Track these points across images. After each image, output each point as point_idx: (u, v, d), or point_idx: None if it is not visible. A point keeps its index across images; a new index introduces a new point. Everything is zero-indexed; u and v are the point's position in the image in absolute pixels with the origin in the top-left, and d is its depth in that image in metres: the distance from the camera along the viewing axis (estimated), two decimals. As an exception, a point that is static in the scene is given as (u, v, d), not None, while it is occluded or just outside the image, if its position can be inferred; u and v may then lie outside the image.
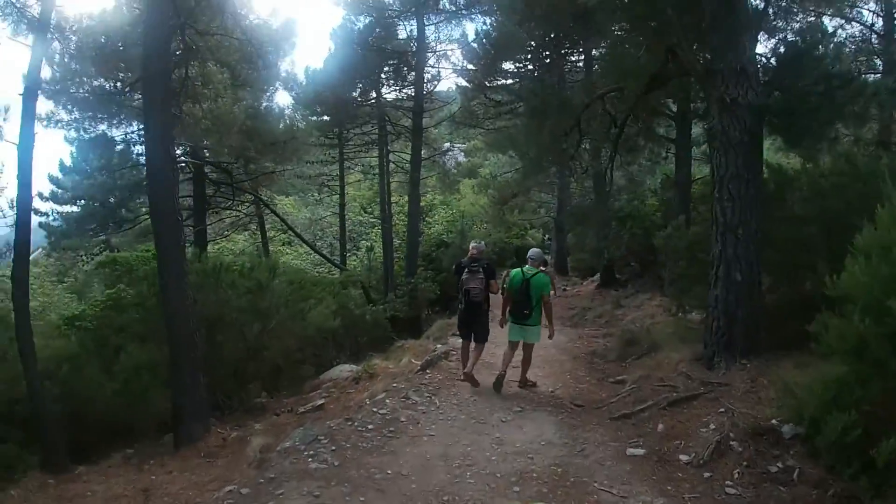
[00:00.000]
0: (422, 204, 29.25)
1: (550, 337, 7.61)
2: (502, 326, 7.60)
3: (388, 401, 6.59)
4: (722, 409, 5.79)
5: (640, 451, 5.34)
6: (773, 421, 5.28)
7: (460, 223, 27.91)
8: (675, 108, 13.51)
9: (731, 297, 6.85)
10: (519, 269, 7.32)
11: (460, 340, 7.88)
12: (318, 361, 11.99)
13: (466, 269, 7.29)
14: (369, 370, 8.83)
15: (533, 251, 7.58)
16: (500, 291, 7.39)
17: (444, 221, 31.04)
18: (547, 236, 40.82)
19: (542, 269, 7.34)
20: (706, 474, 4.86)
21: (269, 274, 9.50)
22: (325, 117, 24.95)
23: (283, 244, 38.48)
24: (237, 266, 10.07)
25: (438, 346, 10.15)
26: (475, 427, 6.01)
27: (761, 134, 6.93)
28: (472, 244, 7.67)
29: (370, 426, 5.81)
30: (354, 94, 24.03)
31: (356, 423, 5.85)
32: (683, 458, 5.16)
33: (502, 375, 7.24)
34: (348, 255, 34.85)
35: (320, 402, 7.95)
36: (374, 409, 6.28)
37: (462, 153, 42.06)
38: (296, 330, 9.99)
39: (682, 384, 6.71)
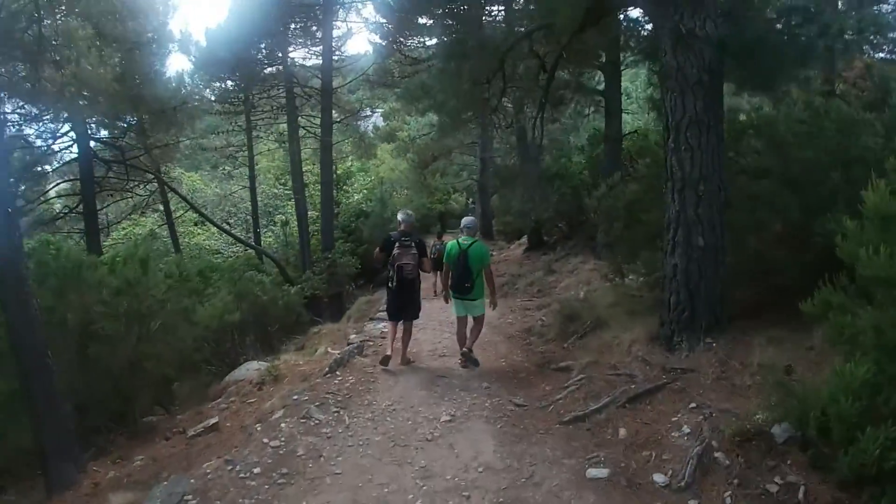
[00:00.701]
0: (337, 172, 27.59)
1: (493, 307, 7.22)
2: (447, 301, 7.24)
3: (283, 424, 5.18)
4: (693, 405, 4.74)
5: (604, 472, 4.17)
6: (759, 418, 4.28)
7: (379, 190, 26.36)
8: (603, 58, 12.45)
9: (691, 266, 5.79)
10: (455, 241, 6.88)
11: (380, 325, 6.87)
12: (226, 359, 10.47)
13: (397, 244, 6.81)
14: (274, 371, 7.42)
15: (466, 220, 7.17)
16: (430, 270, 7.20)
17: (363, 189, 29.41)
18: (471, 200, 39.86)
19: (476, 236, 6.98)
20: (692, 502, 3.79)
21: (140, 268, 7.78)
22: (229, 82, 22.80)
23: (195, 224, 35.95)
24: (105, 261, 8.32)
25: (353, 335, 8.86)
26: (394, 453, 4.71)
27: (722, 73, 5.85)
28: (401, 216, 7.15)
29: (256, 469, 4.40)
30: (259, 55, 21.81)
31: (239, 467, 4.42)
32: (659, 478, 4.04)
33: (467, 352, 7.03)
34: (264, 231, 32.79)
35: (214, 420, 6.46)
36: (265, 441, 4.86)
37: (380, 116, 40.29)
38: (182, 331, 8.40)
39: (641, 372, 5.63)
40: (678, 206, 5.81)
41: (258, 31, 20.12)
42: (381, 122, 37.90)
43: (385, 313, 7.97)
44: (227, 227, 34.16)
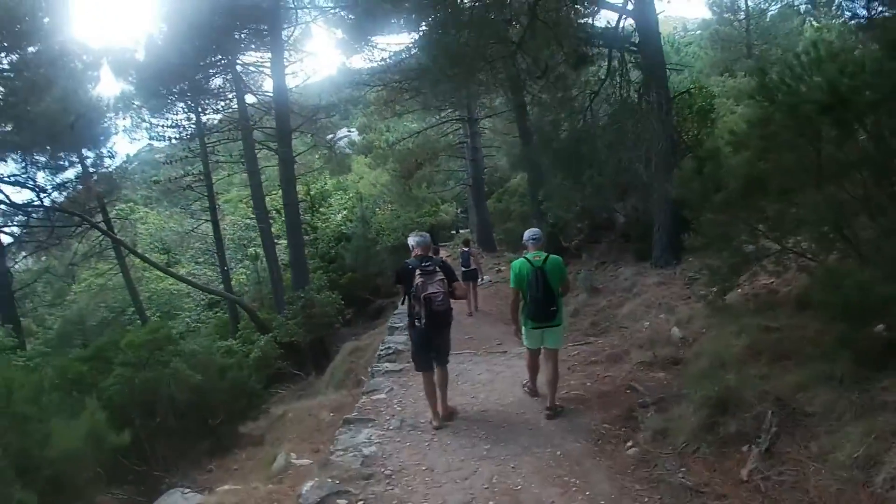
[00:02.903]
0: (310, 193, 24.18)
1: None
2: (518, 336, 5.88)
3: None
4: None
5: None
6: None
7: (360, 208, 22.84)
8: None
9: None
10: (522, 259, 5.61)
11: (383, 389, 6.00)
12: (142, 485, 7.03)
13: (418, 271, 5.38)
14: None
15: (531, 231, 5.90)
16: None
17: (342, 209, 25.94)
18: (461, 209, 36.49)
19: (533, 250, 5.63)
20: None
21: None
22: (179, 105, 19.63)
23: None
24: None
25: (341, 434, 5.44)
26: None
27: None
28: (413, 240, 5.78)
29: None
30: (204, 62, 18.67)
31: None
32: None
33: (551, 413, 5.51)
34: (236, 267, 29.37)
35: None
36: None
37: (354, 132, 36.88)
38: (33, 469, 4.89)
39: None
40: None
41: (202, 37, 16.86)
42: (356, 137, 34.68)
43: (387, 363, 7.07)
44: (196, 266, 31.08)
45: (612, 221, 13.44)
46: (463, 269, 12.14)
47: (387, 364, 7.82)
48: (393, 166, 22.03)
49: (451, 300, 5.52)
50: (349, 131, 43.40)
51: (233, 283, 26.30)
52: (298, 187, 24.40)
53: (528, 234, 5.85)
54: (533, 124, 14.99)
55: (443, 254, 19.95)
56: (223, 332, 20.04)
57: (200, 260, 30.74)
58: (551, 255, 5.60)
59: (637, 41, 10.04)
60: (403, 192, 23.77)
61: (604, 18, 11.37)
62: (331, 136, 24.44)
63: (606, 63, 10.47)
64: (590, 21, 10.87)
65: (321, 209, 25.33)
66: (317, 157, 21.02)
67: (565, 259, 13.60)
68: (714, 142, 11.25)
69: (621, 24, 10.55)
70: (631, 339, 6.72)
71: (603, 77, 10.65)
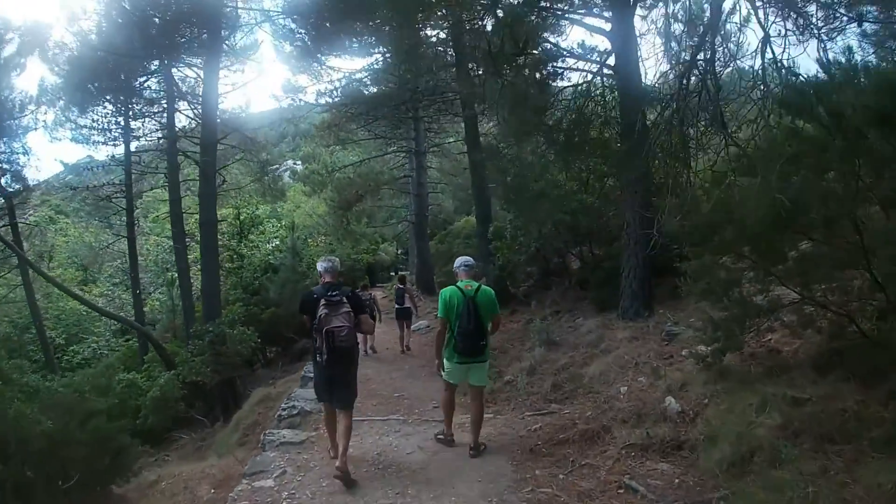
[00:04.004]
0: (241, 216, 22.22)
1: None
2: (440, 371, 5.32)
3: None
4: None
5: None
6: None
7: (290, 238, 20.92)
8: None
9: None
10: (453, 288, 5.17)
11: (271, 470, 4.68)
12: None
13: (323, 301, 4.86)
14: None
15: (462, 259, 5.44)
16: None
17: (274, 238, 23.96)
18: (401, 250, 34.96)
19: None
20: None
21: None
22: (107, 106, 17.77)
23: (81, 283, 29.74)
24: None
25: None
26: None
27: None
28: (322, 265, 5.19)
29: None
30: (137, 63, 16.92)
31: None
32: None
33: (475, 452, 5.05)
34: (154, 291, 26.87)
35: None
36: None
37: (300, 163, 35.06)
38: None
39: None
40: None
41: (139, 36, 15.24)
42: (299, 167, 32.92)
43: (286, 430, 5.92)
44: (112, 287, 28.41)
45: (566, 266, 12.13)
46: (397, 306, 11.95)
47: (285, 432, 6.03)
48: (331, 195, 20.36)
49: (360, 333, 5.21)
50: (294, 163, 41.60)
51: (146, 308, 23.93)
52: (227, 210, 22.55)
53: (459, 261, 5.45)
54: (486, 155, 13.78)
55: (378, 294, 18.49)
56: (132, 362, 17.72)
57: (117, 280, 28.25)
58: (483, 286, 5.23)
59: (613, 64, 8.87)
60: (340, 226, 22.08)
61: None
62: (275, 166, 22.85)
63: (576, 84, 9.19)
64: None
65: (251, 236, 23.30)
66: (249, 179, 19.05)
67: (513, 306, 12.30)
68: (691, 180, 10.26)
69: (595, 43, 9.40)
70: (609, 411, 5.21)
71: (570, 98, 9.39)
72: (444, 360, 5.19)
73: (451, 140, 23.07)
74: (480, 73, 12.68)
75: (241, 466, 5.64)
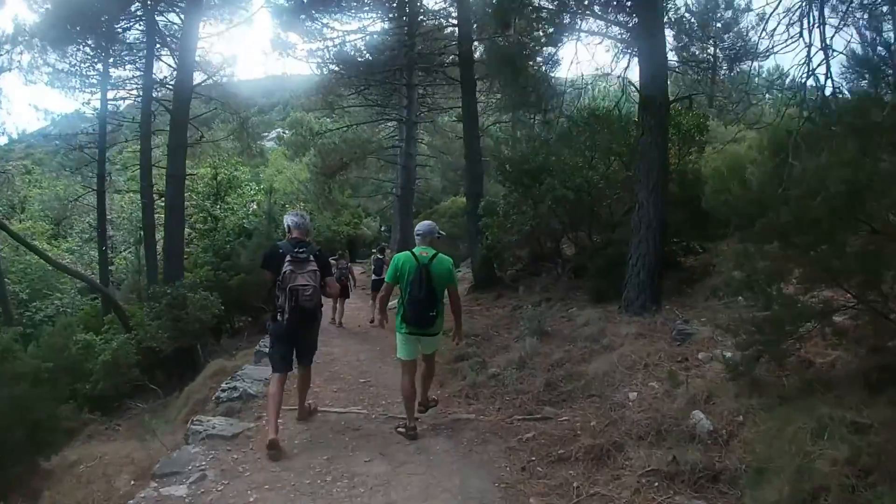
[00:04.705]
0: (218, 177, 21.02)
1: (458, 342, 5.32)
2: (384, 326, 5.39)
3: None
4: None
5: None
6: None
7: (267, 202, 19.79)
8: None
9: None
10: (407, 253, 4.93)
11: (189, 472, 3.91)
12: None
13: (289, 258, 4.64)
14: None
15: (422, 224, 5.16)
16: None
17: (251, 203, 22.77)
18: (384, 227, 33.78)
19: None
20: None
21: None
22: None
23: (50, 238, 28.54)
24: None
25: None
26: None
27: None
28: (290, 219, 4.95)
29: None
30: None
31: None
32: None
33: (424, 409, 5.17)
34: (123, 250, 25.74)
35: None
36: None
37: (286, 131, 33.69)
38: None
39: None
40: None
41: None
42: (286, 134, 31.64)
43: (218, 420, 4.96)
44: (82, 243, 27.32)
45: (559, 251, 11.17)
46: (374, 276, 11.80)
47: (217, 420, 5.02)
48: (314, 160, 19.24)
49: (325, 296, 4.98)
50: (283, 132, 40.19)
51: (114, 267, 22.80)
52: (205, 170, 21.38)
53: (419, 226, 5.15)
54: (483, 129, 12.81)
55: (356, 270, 17.59)
56: (94, 323, 16.61)
57: (87, 237, 27.09)
58: (440, 255, 4.91)
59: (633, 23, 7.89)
60: (322, 193, 21.03)
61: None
62: (255, 124, 21.64)
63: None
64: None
65: (227, 198, 22.10)
66: (225, 134, 17.87)
67: (498, 291, 11.37)
68: (703, 168, 9.36)
69: None
70: (619, 422, 4.27)
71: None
72: (397, 333, 4.90)
73: (446, 114, 22.14)
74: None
75: (168, 454, 4.66)
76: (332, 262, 12.41)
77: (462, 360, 7.22)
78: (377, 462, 4.16)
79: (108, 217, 25.35)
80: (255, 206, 22.63)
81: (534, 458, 4.04)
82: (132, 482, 4.74)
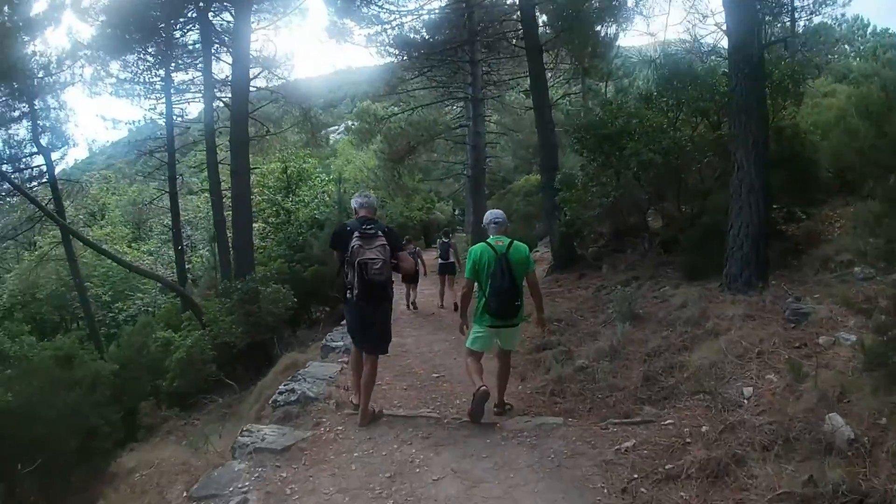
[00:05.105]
0: (288, 171, 21.03)
1: (542, 329, 5.26)
2: (463, 332, 4.99)
3: None
4: None
5: None
6: None
7: (337, 191, 19.61)
8: None
9: None
10: (483, 244, 4.80)
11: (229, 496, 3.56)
12: None
13: (357, 234, 4.53)
14: None
15: (493, 213, 5.03)
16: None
17: (322, 193, 22.73)
18: (458, 211, 33.24)
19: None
20: None
21: None
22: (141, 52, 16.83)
23: (130, 243, 29.76)
24: None
25: None
26: None
27: None
28: (357, 200, 4.90)
29: None
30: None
31: None
32: None
33: (500, 410, 4.93)
34: (201, 248, 26.46)
35: None
36: None
37: (355, 123, 33.62)
38: None
39: None
40: None
41: None
42: (353, 125, 31.49)
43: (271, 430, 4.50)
44: (161, 244, 28.31)
45: (645, 225, 10.24)
46: (441, 261, 11.92)
47: (269, 430, 4.51)
48: (381, 147, 18.87)
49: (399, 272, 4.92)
50: (352, 124, 40.26)
51: (191, 266, 23.40)
52: (274, 165, 21.51)
53: (489, 215, 5.05)
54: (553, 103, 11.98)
55: (430, 256, 17.30)
56: (176, 320, 17.01)
57: (165, 238, 27.97)
58: (516, 242, 4.82)
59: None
60: (392, 180, 20.67)
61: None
62: (334, 127, 21.58)
63: None
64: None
65: (299, 191, 22.13)
66: (288, 125, 17.73)
67: (580, 270, 10.60)
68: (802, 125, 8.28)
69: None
70: (736, 428, 3.48)
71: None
72: (474, 325, 4.82)
73: (513, 91, 21.34)
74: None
75: (209, 471, 4.26)
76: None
77: (545, 349, 6.57)
78: (448, 481, 3.57)
79: (185, 217, 26.14)
80: (325, 198, 22.65)
81: (636, 476, 3.32)
82: (185, 493, 4.36)
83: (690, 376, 4.55)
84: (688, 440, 3.58)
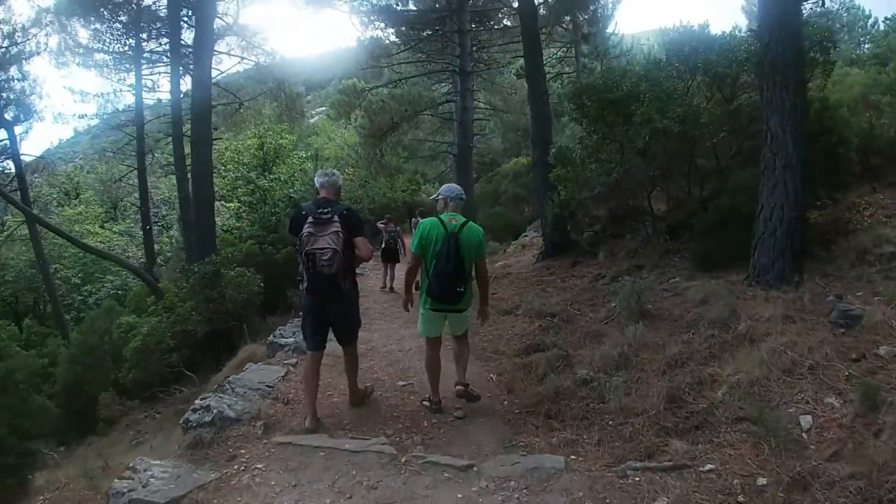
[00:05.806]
0: (264, 147, 19.85)
1: (483, 322, 4.89)
2: (408, 309, 4.79)
3: None
4: None
5: None
6: None
7: (314, 170, 18.46)
8: None
9: None
10: (433, 219, 4.51)
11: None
12: None
13: (311, 219, 4.13)
14: None
15: (451, 186, 4.74)
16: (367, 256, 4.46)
17: (299, 171, 21.54)
18: (442, 193, 32.20)
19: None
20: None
21: None
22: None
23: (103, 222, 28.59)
24: None
25: None
26: None
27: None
28: (319, 179, 4.54)
29: None
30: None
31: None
32: None
33: (463, 390, 4.69)
34: (168, 228, 25.42)
35: None
36: None
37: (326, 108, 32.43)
38: None
39: None
40: None
41: None
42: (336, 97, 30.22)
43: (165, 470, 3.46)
44: (133, 224, 27.16)
45: (649, 209, 9.16)
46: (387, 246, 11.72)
47: (158, 472, 3.35)
48: (362, 121, 17.73)
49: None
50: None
51: (159, 247, 22.27)
52: (251, 141, 20.30)
53: (444, 189, 4.67)
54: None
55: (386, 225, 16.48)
56: (145, 304, 15.96)
57: (139, 217, 26.83)
58: (470, 223, 4.46)
59: None
60: (373, 158, 19.51)
61: None
62: (321, 108, 20.44)
63: None
64: None
65: (275, 169, 20.92)
66: (260, 96, 16.49)
67: (574, 257, 9.59)
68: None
69: None
70: (802, 478, 2.50)
71: None
72: (420, 305, 4.55)
73: (504, 70, 20.33)
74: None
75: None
76: (381, 226, 11.83)
77: (536, 350, 5.56)
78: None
79: (161, 196, 24.93)
80: (304, 175, 21.49)
81: None
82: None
83: (726, 397, 3.54)
84: (741, 499, 2.57)
